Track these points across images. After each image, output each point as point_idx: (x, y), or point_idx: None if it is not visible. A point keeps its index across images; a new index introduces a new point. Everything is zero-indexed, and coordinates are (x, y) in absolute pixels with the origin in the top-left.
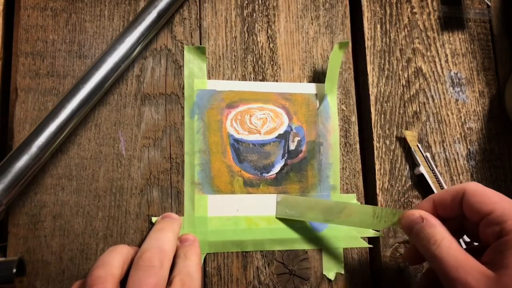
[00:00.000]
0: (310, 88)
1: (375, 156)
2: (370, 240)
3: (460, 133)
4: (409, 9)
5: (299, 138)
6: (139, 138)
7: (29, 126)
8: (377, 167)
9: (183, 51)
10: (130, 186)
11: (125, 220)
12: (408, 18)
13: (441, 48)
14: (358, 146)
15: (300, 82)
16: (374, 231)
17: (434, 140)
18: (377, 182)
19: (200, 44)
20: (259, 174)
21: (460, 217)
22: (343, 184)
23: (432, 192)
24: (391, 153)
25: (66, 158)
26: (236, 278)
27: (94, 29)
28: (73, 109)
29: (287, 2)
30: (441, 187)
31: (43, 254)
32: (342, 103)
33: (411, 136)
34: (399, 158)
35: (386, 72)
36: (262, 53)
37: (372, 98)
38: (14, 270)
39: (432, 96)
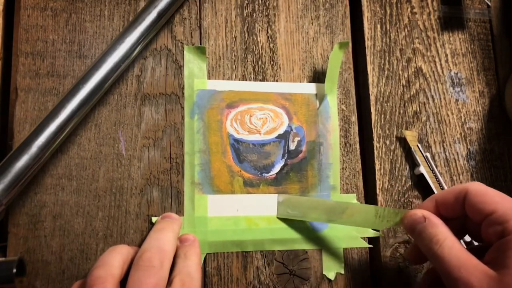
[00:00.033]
0: (310, 88)
1: (375, 156)
2: (370, 240)
3: (460, 133)
4: (409, 9)
5: (299, 138)
6: (139, 138)
7: (29, 126)
8: (377, 167)
9: (183, 51)
10: (130, 186)
11: (125, 220)
12: (408, 18)
13: (441, 48)
14: (358, 146)
15: (300, 82)
16: (374, 231)
17: (434, 140)
18: (377, 182)
19: (200, 44)
20: (259, 174)
21: (462, 217)
22: (343, 184)
23: (432, 192)
24: (391, 153)
25: (66, 158)
26: (236, 278)
27: (94, 29)
28: (73, 109)
29: (287, 2)
30: (441, 187)
31: (43, 254)
32: (342, 103)
33: (411, 136)
34: (399, 158)
35: (386, 72)
36: (262, 53)
37: (372, 98)
38: (14, 270)
39: (432, 96)
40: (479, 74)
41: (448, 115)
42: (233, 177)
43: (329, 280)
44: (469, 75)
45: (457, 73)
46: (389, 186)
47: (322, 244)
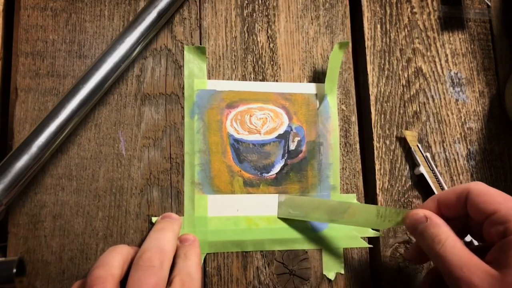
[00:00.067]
0: (310, 88)
1: (375, 156)
2: (370, 240)
3: (460, 133)
4: (409, 9)
5: (299, 138)
6: (139, 138)
7: (29, 126)
8: (377, 167)
9: (183, 51)
10: (130, 186)
11: (125, 220)
12: (408, 18)
13: (441, 48)
14: (358, 146)
15: (300, 82)
16: (374, 231)
17: (434, 140)
18: (377, 182)
19: (200, 44)
20: (259, 174)
21: (464, 217)
22: (343, 184)
23: (432, 192)
24: (391, 153)
25: (66, 158)
26: (236, 278)
27: (94, 29)
28: (73, 109)
29: (287, 2)
30: (441, 187)
31: (43, 254)
32: (342, 103)
33: (411, 136)
34: (399, 158)
35: (386, 72)
36: (262, 53)
37: (372, 98)
38: (14, 270)
39: (432, 96)
40: (479, 74)
41: (448, 115)
42: (233, 177)
43: (329, 280)
44: (469, 75)
45: (457, 73)
46: (389, 186)
47: (322, 244)
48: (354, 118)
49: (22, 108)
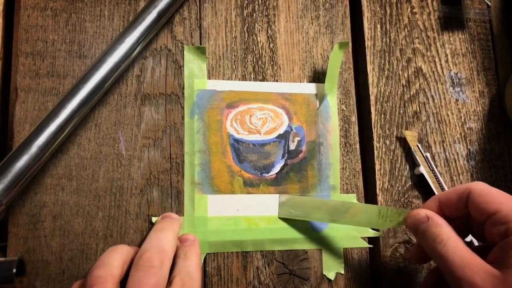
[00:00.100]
0: (310, 88)
1: (375, 156)
2: (370, 240)
3: (460, 133)
4: (409, 9)
5: (299, 138)
6: (139, 138)
7: (29, 126)
8: (377, 167)
9: (183, 51)
10: (130, 186)
11: (125, 220)
12: (408, 18)
13: (441, 48)
14: (358, 146)
15: (300, 82)
16: (374, 231)
17: (434, 140)
18: (377, 182)
19: (200, 44)
20: (259, 174)
21: (465, 217)
22: (343, 184)
23: (432, 192)
24: (391, 153)
25: (66, 158)
26: (236, 278)
27: (94, 29)
28: (73, 109)
29: (287, 2)
30: (441, 187)
31: (43, 254)
32: (342, 103)
33: (411, 136)
34: (399, 158)
35: (386, 72)
36: (262, 53)
37: (372, 98)
38: (14, 270)
39: (432, 96)
40: (479, 74)
41: (448, 115)
42: (233, 177)
43: (329, 280)
44: (469, 75)
45: (457, 73)
46: (389, 186)
47: (322, 244)
48: (354, 118)
49: (22, 108)
